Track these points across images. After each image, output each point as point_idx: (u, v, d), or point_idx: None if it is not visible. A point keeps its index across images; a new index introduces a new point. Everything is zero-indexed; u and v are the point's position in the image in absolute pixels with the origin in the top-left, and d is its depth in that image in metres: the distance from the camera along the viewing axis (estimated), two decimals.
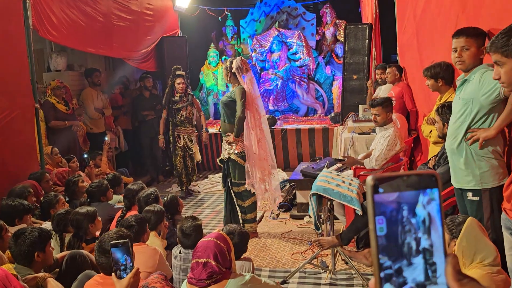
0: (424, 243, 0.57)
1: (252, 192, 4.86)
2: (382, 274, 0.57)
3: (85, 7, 6.23)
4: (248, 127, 4.80)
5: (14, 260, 2.71)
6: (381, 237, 0.57)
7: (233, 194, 4.91)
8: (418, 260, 0.57)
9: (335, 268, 3.88)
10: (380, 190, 0.57)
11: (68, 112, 6.30)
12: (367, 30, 6.99)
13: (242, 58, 4.98)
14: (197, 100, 7.39)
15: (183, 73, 6.84)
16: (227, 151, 4.78)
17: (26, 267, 2.65)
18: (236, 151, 4.75)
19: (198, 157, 7.21)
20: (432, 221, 0.58)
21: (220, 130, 5.01)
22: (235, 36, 10.36)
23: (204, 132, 7.16)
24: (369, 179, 0.57)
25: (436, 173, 0.58)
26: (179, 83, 6.69)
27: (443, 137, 3.33)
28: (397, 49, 6.65)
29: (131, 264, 2.11)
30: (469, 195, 2.86)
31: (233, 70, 4.75)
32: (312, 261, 3.93)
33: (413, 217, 0.57)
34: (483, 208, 2.80)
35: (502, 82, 2.19)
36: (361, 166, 4.44)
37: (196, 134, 7.10)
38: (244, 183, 4.82)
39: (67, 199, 4.59)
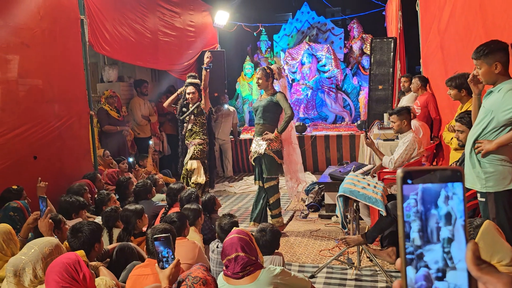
0: (446, 233, 0.58)
1: (276, 190, 4.88)
2: (407, 257, 0.58)
3: (135, 25, 6.41)
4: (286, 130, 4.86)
5: (71, 251, 2.81)
6: (407, 223, 0.58)
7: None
8: (438, 247, 0.58)
9: (360, 265, 3.84)
10: (409, 181, 0.58)
11: (119, 118, 6.50)
12: (392, 44, 6.92)
13: (278, 66, 5.07)
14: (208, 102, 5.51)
15: (197, 81, 5.46)
16: (263, 147, 4.78)
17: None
18: (272, 148, 4.76)
19: (199, 178, 5.32)
20: (454, 212, 0.58)
21: (255, 131, 4.97)
22: (269, 49, 10.41)
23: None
24: (399, 171, 0.59)
25: (461, 168, 0.59)
26: (189, 93, 5.37)
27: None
28: (421, 60, 6.54)
29: (172, 256, 2.15)
30: (478, 196, 2.85)
31: (276, 76, 4.87)
32: (339, 258, 3.90)
33: (436, 208, 0.58)
34: (489, 210, 2.75)
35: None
36: (379, 154, 4.40)
37: (201, 144, 5.35)
38: (273, 179, 4.82)
39: (117, 197, 4.72)
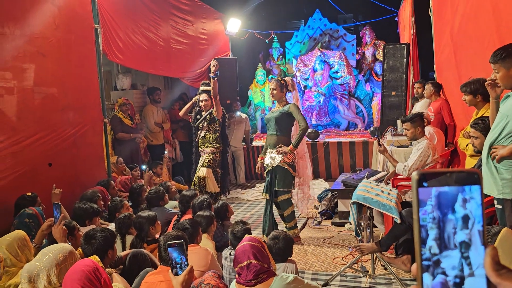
0: (462, 237, 0.57)
1: (290, 203, 4.85)
2: (423, 263, 0.57)
3: (148, 33, 6.48)
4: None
5: (85, 257, 2.83)
6: (423, 228, 0.57)
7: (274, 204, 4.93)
8: (456, 253, 0.57)
9: (374, 273, 3.80)
10: (424, 184, 0.57)
11: (132, 126, 6.57)
12: (405, 50, 6.88)
13: (291, 78, 5.09)
14: (221, 108, 5.58)
15: (210, 89, 5.46)
16: (277, 160, 4.77)
17: None
18: (287, 161, 4.75)
19: (212, 186, 5.40)
20: (472, 215, 0.57)
21: (267, 143, 4.96)
22: (281, 56, 10.44)
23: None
24: (415, 173, 0.57)
25: (478, 171, 0.57)
26: (202, 101, 5.52)
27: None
28: (434, 66, 6.50)
29: (186, 263, 2.15)
30: (495, 203, 2.79)
31: (289, 87, 4.85)
32: (353, 266, 3.86)
33: (453, 213, 0.57)
34: (506, 217, 2.69)
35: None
36: (392, 161, 4.36)
37: (213, 152, 5.44)
38: (287, 192, 4.80)
39: (130, 204, 4.74)
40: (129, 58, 6.05)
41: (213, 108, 5.50)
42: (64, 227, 3.11)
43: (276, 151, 4.76)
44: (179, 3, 7.52)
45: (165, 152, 6.93)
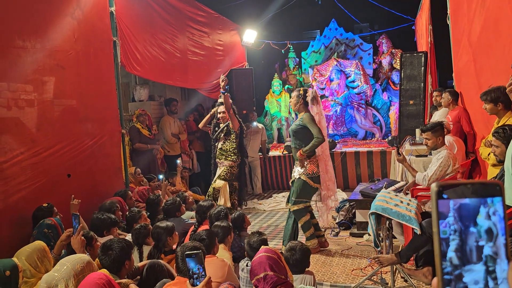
0: (486, 251, 0.55)
1: (303, 213, 4.81)
2: (444, 278, 0.55)
3: (165, 45, 6.55)
4: (319, 152, 4.85)
5: (102, 268, 2.83)
6: (444, 241, 0.55)
7: None
8: (479, 267, 0.55)
9: (394, 285, 3.72)
10: (444, 196, 0.55)
11: (150, 136, 6.63)
12: (423, 58, 6.82)
13: (316, 90, 5.05)
14: (236, 119, 5.60)
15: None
16: (297, 172, 4.77)
17: (113, 274, 2.75)
18: (308, 173, 4.73)
19: (223, 200, 5.38)
20: (494, 228, 0.55)
21: (291, 154, 5.00)
22: (297, 66, 10.45)
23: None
24: (434, 185, 0.56)
25: (500, 182, 0.56)
26: (219, 113, 5.59)
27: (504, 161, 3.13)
28: (453, 74, 6.42)
29: (203, 273, 2.13)
30: None
31: (307, 99, 4.82)
32: (372, 278, 3.79)
33: (475, 226, 0.55)
34: None
35: None
36: (411, 171, 4.28)
37: (231, 166, 5.50)
38: (299, 202, 4.77)
39: (148, 214, 4.76)
40: (147, 70, 6.12)
41: (229, 120, 5.55)
42: (82, 237, 3.12)
43: (297, 163, 4.81)
44: (195, 15, 7.60)
45: (177, 161, 6.97)
